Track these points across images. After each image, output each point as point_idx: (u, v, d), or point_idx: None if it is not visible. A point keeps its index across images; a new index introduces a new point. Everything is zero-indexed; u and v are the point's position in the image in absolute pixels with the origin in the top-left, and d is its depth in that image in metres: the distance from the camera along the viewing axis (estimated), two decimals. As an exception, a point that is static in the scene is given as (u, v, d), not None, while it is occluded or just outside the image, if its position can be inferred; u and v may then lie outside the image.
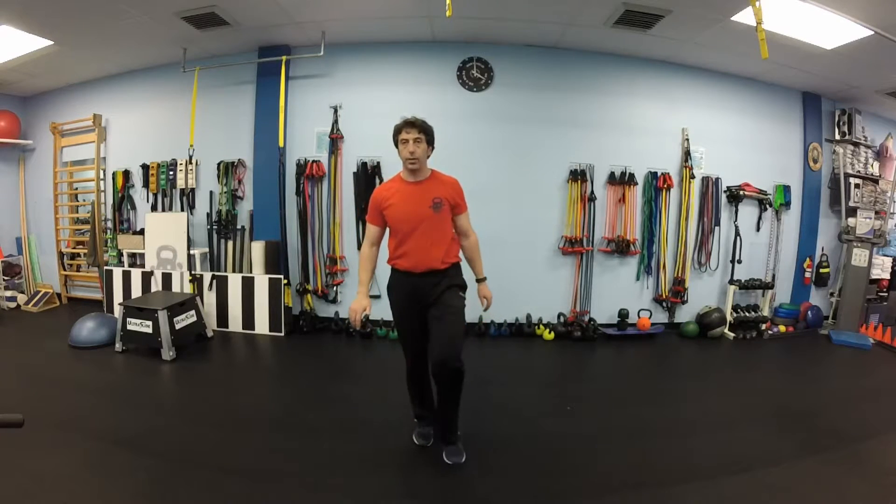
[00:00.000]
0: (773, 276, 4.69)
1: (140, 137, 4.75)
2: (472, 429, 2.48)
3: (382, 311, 4.25)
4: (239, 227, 4.48)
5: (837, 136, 4.86)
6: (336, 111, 4.20)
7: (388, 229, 2.19)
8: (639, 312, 4.33)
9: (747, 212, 4.61)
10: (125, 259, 4.63)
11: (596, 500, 1.93)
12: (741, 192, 4.50)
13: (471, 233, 2.26)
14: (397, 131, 2.09)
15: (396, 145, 2.11)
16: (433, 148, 2.16)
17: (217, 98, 4.40)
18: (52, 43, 3.88)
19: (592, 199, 4.27)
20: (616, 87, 4.28)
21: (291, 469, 2.07)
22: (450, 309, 2.06)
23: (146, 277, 4.31)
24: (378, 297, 4.30)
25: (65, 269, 5.20)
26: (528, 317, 4.30)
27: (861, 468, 2.16)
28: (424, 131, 2.08)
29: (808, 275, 4.85)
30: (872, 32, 3.17)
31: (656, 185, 4.33)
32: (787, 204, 4.70)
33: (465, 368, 2.01)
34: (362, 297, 2.12)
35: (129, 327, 3.48)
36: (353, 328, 2.17)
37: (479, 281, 2.30)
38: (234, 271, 4.43)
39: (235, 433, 2.39)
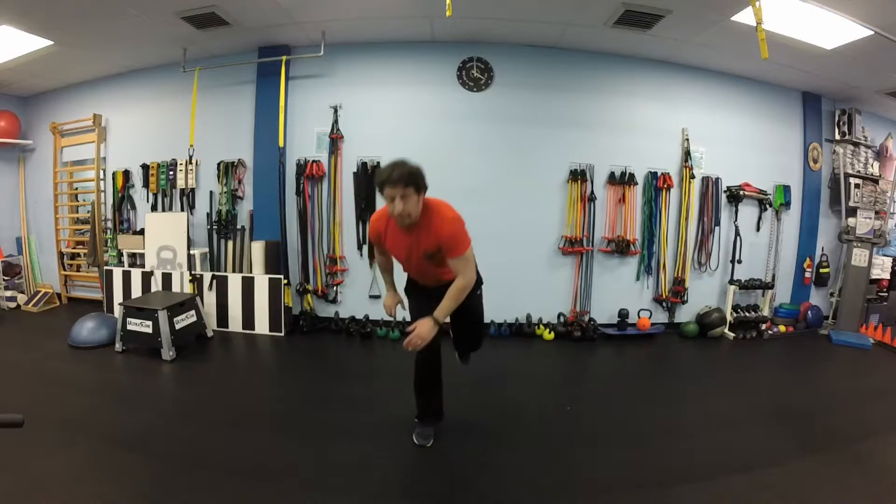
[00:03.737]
0: (773, 276, 4.69)
1: (140, 137, 4.74)
2: (472, 429, 2.49)
3: (382, 311, 4.25)
4: (239, 227, 4.48)
5: (837, 136, 4.86)
6: (336, 111, 4.20)
7: None
8: (639, 312, 4.33)
9: (747, 212, 4.61)
10: (125, 259, 4.63)
11: (596, 500, 1.93)
12: (741, 192, 4.50)
13: (464, 275, 1.95)
14: (379, 187, 1.87)
15: (381, 193, 1.89)
16: (426, 190, 1.92)
17: (217, 98, 4.40)
18: (52, 43, 3.87)
19: (592, 199, 4.27)
20: (616, 87, 4.28)
21: (291, 469, 2.07)
22: (471, 317, 2.27)
23: (146, 277, 4.31)
24: (379, 296, 4.32)
25: (65, 269, 5.20)
26: (528, 317, 4.30)
27: (861, 468, 2.16)
28: (410, 182, 1.81)
29: (808, 275, 4.84)
30: (872, 32, 3.16)
31: (656, 185, 4.33)
32: (787, 204, 4.70)
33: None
34: (392, 293, 2.34)
35: (129, 327, 3.48)
36: (391, 317, 2.34)
37: (430, 316, 1.94)
38: (234, 271, 4.43)
39: (235, 433, 2.39)
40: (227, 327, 4.20)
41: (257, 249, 4.15)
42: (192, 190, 4.55)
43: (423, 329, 1.92)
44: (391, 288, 2.34)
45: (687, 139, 4.38)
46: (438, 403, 2.37)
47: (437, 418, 2.37)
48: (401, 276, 2.36)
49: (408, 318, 2.16)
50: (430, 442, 2.28)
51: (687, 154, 4.37)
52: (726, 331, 4.37)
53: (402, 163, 1.86)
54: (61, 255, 5.18)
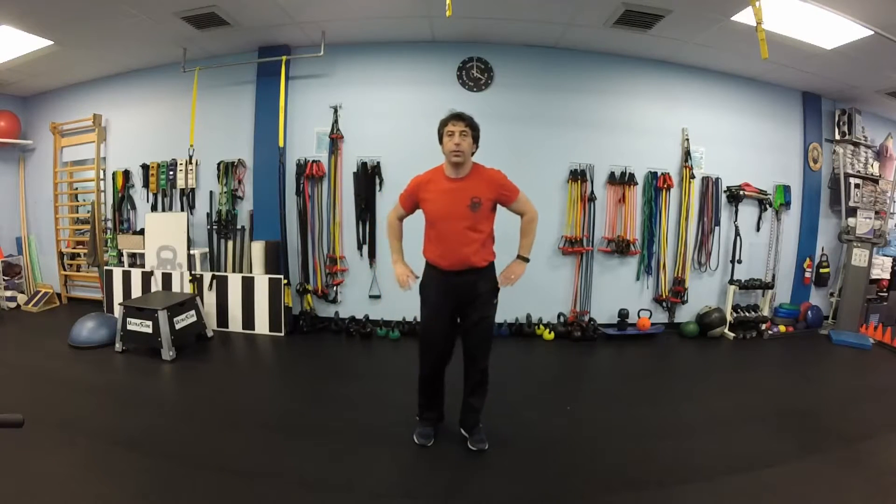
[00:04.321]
0: (773, 276, 4.69)
1: (140, 137, 4.75)
2: (472, 429, 2.49)
3: (382, 311, 4.28)
4: (239, 227, 4.48)
5: (837, 136, 4.86)
6: (336, 111, 4.20)
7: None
8: (639, 312, 4.32)
9: (747, 212, 4.61)
10: (125, 259, 4.63)
11: (596, 500, 1.93)
12: (741, 192, 4.50)
13: (527, 211, 2.22)
14: (443, 124, 2.11)
15: (441, 140, 2.11)
16: (478, 147, 2.16)
17: (217, 98, 4.39)
18: (52, 43, 3.87)
19: (592, 199, 4.27)
20: (616, 87, 4.27)
21: (291, 469, 2.07)
22: (484, 320, 2.18)
23: (146, 277, 4.31)
24: (379, 296, 4.32)
25: (65, 269, 5.20)
26: (528, 317, 4.30)
27: (861, 468, 2.16)
28: (471, 126, 2.09)
29: (808, 275, 4.84)
30: (872, 32, 3.16)
31: (656, 185, 4.33)
32: (787, 204, 4.70)
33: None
34: (401, 264, 2.25)
35: (129, 327, 3.48)
36: (404, 289, 2.25)
37: (518, 256, 2.24)
38: (234, 271, 4.43)
39: (235, 433, 2.39)
40: (227, 327, 4.20)
41: (257, 249, 4.15)
42: (192, 190, 4.55)
43: (518, 269, 2.21)
44: (400, 257, 2.29)
45: (687, 139, 4.38)
46: (440, 405, 2.37)
47: (437, 419, 2.37)
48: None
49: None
50: (431, 442, 2.28)
51: (687, 154, 4.37)
52: (726, 331, 4.37)
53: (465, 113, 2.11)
54: (61, 255, 5.18)
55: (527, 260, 2.22)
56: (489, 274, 2.20)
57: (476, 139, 2.13)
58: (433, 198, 2.11)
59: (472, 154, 2.14)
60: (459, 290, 2.14)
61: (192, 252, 4.25)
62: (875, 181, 5.00)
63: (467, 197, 2.06)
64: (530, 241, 2.24)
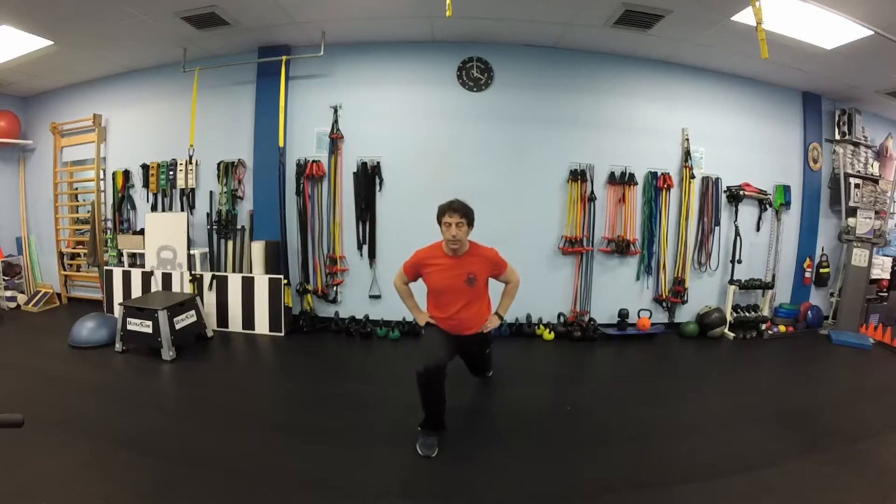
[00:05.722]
0: (773, 276, 4.69)
1: (140, 137, 4.75)
2: (472, 429, 2.50)
3: (382, 310, 4.28)
4: (239, 227, 4.48)
5: (837, 136, 4.86)
6: (336, 111, 4.20)
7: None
8: (639, 312, 4.32)
9: (747, 212, 4.61)
10: (125, 259, 4.63)
11: (596, 500, 1.93)
12: (741, 192, 4.50)
13: (512, 280, 2.58)
14: (441, 213, 2.35)
15: (440, 224, 2.37)
16: (472, 228, 2.39)
17: (217, 98, 4.39)
18: (52, 43, 3.87)
19: (592, 199, 4.27)
20: (616, 87, 4.27)
21: (291, 469, 2.07)
22: (485, 346, 2.81)
23: (146, 277, 4.31)
24: (379, 296, 4.32)
25: (65, 269, 5.20)
26: (528, 317, 4.30)
27: (861, 468, 2.16)
28: (466, 216, 2.32)
29: (808, 275, 4.84)
30: (872, 32, 3.17)
31: (656, 185, 4.33)
32: (787, 204, 4.70)
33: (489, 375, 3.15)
34: (422, 314, 2.59)
35: (129, 327, 3.48)
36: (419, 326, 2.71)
37: (496, 313, 2.59)
38: (234, 271, 4.43)
39: (235, 433, 2.39)
40: (227, 327, 4.20)
41: (257, 249, 4.15)
42: (192, 190, 4.55)
43: (493, 323, 2.57)
44: (419, 310, 2.62)
45: (687, 139, 4.37)
46: (442, 403, 2.31)
47: (439, 423, 2.31)
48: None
49: (413, 318, 2.40)
50: (435, 452, 2.22)
51: (687, 154, 4.37)
52: (726, 331, 4.37)
53: (460, 200, 2.35)
54: (61, 255, 5.18)
55: (502, 318, 2.61)
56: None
57: (471, 223, 2.37)
58: (435, 271, 2.42)
59: (469, 231, 2.39)
60: (461, 339, 2.51)
61: (192, 252, 4.25)
62: (875, 181, 5.00)
63: (464, 273, 2.39)
64: (509, 303, 2.61)
